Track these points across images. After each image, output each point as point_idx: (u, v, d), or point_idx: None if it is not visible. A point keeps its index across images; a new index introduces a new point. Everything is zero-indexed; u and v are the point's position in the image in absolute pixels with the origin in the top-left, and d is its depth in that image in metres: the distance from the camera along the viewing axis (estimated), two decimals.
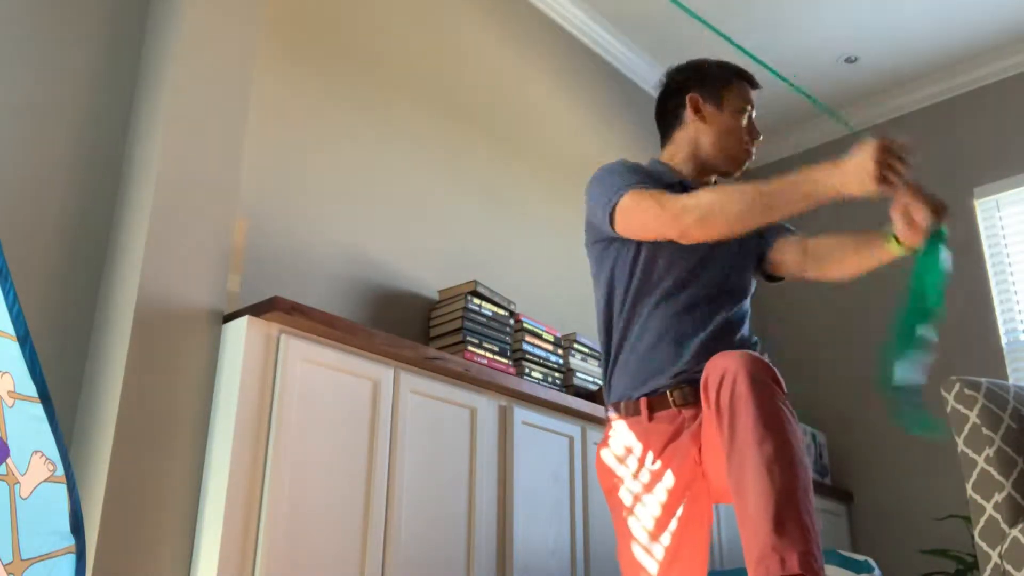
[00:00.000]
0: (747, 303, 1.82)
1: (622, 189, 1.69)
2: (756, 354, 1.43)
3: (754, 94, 1.89)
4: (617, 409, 1.75)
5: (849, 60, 4.27)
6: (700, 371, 1.66)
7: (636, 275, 1.75)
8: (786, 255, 1.80)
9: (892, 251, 1.62)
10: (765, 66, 1.62)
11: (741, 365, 1.39)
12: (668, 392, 1.67)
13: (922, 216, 1.50)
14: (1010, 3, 3.88)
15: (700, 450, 1.61)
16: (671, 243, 1.69)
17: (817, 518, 1.31)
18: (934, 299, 1.53)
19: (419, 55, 3.16)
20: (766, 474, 1.29)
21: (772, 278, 1.90)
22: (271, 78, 2.62)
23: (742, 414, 1.35)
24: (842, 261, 1.73)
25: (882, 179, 1.41)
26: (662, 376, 1.69)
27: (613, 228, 1.71)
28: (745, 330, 1.79)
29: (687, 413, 1.65)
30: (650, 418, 1.68)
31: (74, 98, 2.13)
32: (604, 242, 1.80)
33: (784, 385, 1.43)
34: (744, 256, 1.83)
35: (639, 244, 1.75)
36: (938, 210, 1.51)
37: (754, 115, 1.88)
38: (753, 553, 1.27)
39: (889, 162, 1.41)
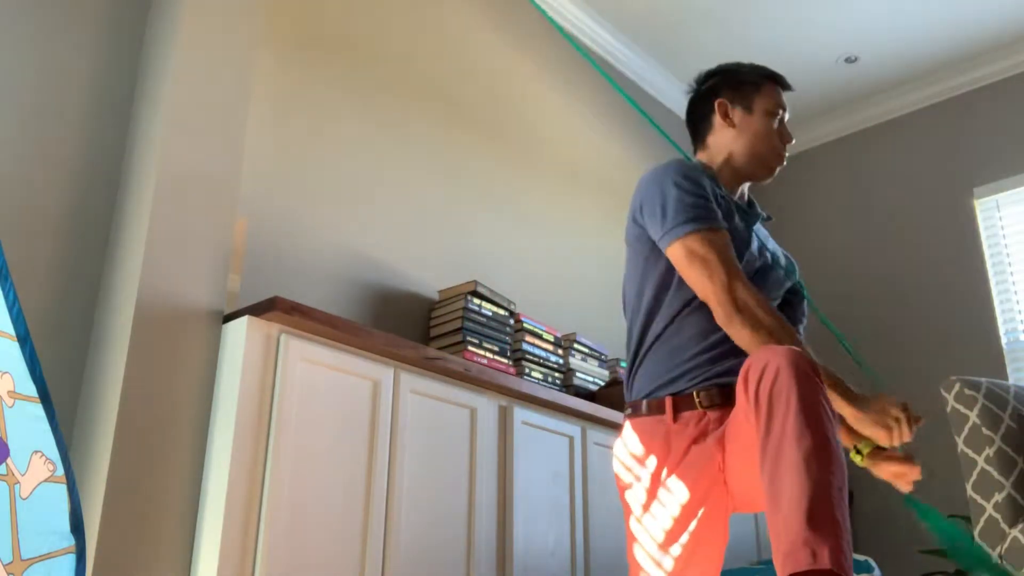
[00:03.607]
0: None
1: (690, 224, 1.63)
2: (799, 349, 1.39)
3: (785, 96, 1.86)
4: (637, 409, 1.70)
5: (849, 60, 4.27)
6: (728, 374, 1.63)
7: (678, 278, 1.71)
8: None
9: (852, 458, 1.64)
10: None
11: (785, 358, 1.35)
12: (695, 393, 1.63)
13: (903, 484, 1.60)
14: (1010, 3, 3.88)
15: (724, 455, 1.57)
16: None
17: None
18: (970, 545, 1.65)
19: (419, 55, 3.16)
20: (803, 468, 1.25)
21: None
22: (271, 78, 2.62)
23: (781, 407, 1.31)
24: None
25: (889, 433, 1.50)
26: (691, 376, 1.65)
27: (664, 253, 1.68)
28: None
29: (712, 415, 1.61)
30: (674, 419, 1.63)
31: (74, 98, 2.13)
32: (651, 245, 1.74)
33: (824, 381, 1.38)
34: (782, 289, 1.85)
35: None
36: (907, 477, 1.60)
37: (786, 118, 1.86)
38: (783, 545, 1.23)
39: (902, 423, 1.50)
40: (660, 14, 3.97)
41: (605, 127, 4.02)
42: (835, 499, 1.25)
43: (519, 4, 3.71)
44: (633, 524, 1.64)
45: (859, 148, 4.64)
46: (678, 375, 1.66)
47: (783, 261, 1.86)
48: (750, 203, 1.89)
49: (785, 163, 1.85)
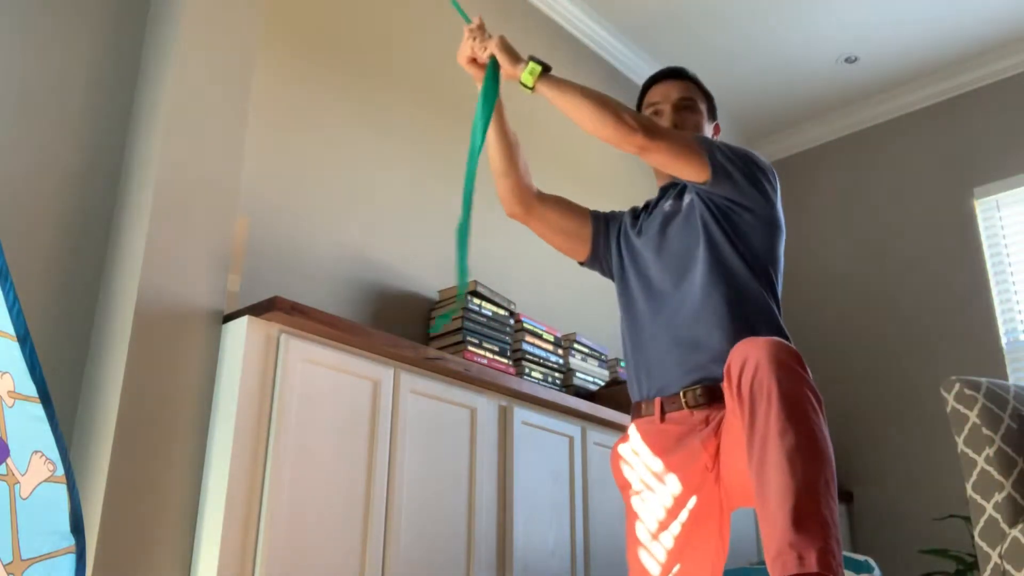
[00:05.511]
0: (719, 286, 1.69)
1: None
2: (781, 339, 1.37)
3: (664, 88, 1.95)
4: (637, 411, 1.74)
5: (849, 60, 4.27)
6: (715, 370, 1.64)
7: (635, 282, 1.82)
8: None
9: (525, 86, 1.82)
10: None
11: (765, 350, 1.33)
12: (682, 393, 1.64)
13: (476, 49, 1.88)
14: (1010, 3, 3.88)
15: (714, 454, 1.58)
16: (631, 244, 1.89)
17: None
18: (479, 130, 1.85)
19: (419, 55, 3.16)
20: (787, 467, 1.25)
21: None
22: (271, 78, 2.62)
23: (764, 402, 1.30)
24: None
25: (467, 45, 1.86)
26: (674, 376, 1.67)
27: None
28: (750, 317, 1.66)
29: (699, 415, 1.62)
30: (662, 419, 1.66)
31: (74, 98, 2.13)
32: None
33: (808, 370, 1.36)
34: (671, 240, 1.81)
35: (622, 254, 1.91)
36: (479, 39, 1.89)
37: (667, 110, 1.92)
38: (772, 549, 1.23)
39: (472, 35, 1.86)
40: (660, 14, 3.97)
41: None
42: (821, 496, 1.25)
43: (519, 4, 3.71)
44: (631, 519, 1.67)
45: (859, 148, 4.64)
46: (661, 376, 1.69)
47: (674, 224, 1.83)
48: (663, 192, 1.94)
49: None
